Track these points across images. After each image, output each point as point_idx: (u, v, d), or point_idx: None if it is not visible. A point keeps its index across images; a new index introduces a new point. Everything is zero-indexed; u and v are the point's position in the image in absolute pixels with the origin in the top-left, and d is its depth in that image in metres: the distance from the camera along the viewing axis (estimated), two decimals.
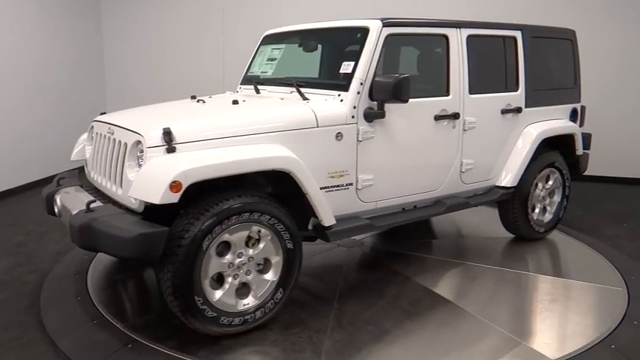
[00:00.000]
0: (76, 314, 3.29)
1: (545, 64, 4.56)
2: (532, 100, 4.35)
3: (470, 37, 3.89)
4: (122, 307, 3.40)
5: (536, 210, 4.58)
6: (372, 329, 3.08)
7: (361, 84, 3.34)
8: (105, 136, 3.27)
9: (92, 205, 2.89)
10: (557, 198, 4.72)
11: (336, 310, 3.30)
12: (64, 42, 7.24)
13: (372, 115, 3.36)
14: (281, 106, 3.36)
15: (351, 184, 3.40)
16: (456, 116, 3.80)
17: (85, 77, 7.76)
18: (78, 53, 7.54)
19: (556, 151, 4.60)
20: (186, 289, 2.73)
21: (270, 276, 3.06)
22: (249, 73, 4.30)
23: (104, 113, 3.64)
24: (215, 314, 2.85)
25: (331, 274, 3.92)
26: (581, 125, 4.97)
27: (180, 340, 2.94)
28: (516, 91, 4.24)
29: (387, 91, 3.26)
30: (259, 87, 3.96)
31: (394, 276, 3.84)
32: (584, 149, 4.95)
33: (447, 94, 3.79)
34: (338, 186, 3.35)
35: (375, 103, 3.35)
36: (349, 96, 3.33)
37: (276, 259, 3.06)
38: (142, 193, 2.69)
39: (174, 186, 2.60)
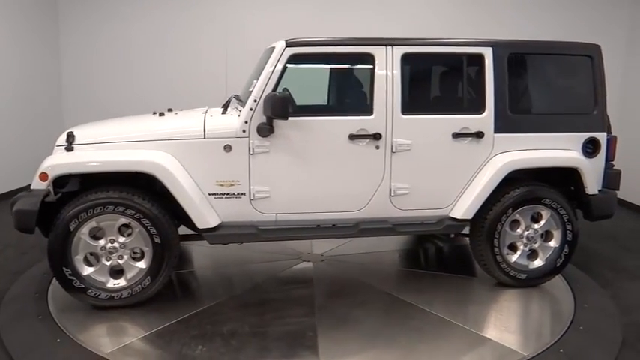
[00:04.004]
0: (39, 333, 3.23)
1: (539, 85, 3.96)
2: (507, 125, 3.83)
3: (407, 56, 3.70)
4: (87, 325, 3.32)
5: (518, 252, 3.97)
6: (209, 328, 3.28)
7: (255, 101, 3.56)
8: None
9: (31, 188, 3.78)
10: (553, 243, 3.98)
11: (205, 308, 3.56)
12: (17, 54, 6.93)
13: (264, 131, 3.55)
14: (185, 118, 3.79)
15: (243, 193, 3.62)
16: (376, 137, 3.66)
17: (41, 91, 7.48)
18: (33, 65, 7.24)
19: (547, 186, 3.92)
20: (57, 260, 3.40)
21: (141, 264, 3.53)
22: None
23: None
24: (83, 286, 3.45)
25: (241, 282, 4.12)
26: (610, 160, 4.08)
27: (146, 357, 3.05)
28: (481, 113, 3.80)
29: (268, 109, 3.43)
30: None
31: (302, 296, 3.82)
32: (607, 188, 4.07)
33: (370, 113, 3.68)
34: (228, 194, 3.62)
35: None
36: (243, 112, 3.59)
37: (147, 250, 3.51)
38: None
39: (43, 176, 3.32)
